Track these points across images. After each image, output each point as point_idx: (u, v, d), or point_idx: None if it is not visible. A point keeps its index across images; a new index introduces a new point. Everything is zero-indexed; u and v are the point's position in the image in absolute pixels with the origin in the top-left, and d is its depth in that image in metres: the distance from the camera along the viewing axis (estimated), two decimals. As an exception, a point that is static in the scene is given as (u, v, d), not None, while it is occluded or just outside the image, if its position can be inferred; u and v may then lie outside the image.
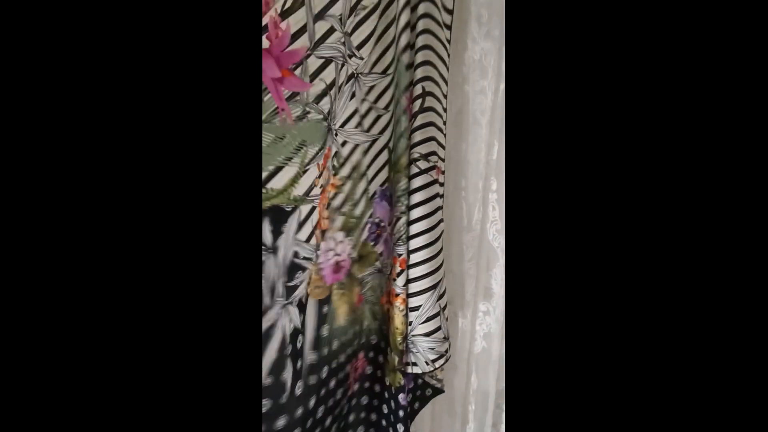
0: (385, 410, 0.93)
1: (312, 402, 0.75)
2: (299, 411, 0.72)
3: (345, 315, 0.80)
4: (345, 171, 0.75)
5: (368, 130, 0.75)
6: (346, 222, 0.77)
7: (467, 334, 1.01)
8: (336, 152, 0.73)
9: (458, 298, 1.00)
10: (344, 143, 0.73)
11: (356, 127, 0.74)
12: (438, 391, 0.97)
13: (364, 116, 0.74)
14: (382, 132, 0.77)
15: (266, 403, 0.67)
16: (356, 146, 0.75)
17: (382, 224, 0.83)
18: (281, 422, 0.69)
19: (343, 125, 0.72)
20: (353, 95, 0.71)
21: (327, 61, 0.65)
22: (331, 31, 0.63)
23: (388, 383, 0.91)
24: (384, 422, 0.93)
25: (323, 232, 0.74)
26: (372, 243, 0.82)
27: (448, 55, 0.83)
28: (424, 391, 0.97)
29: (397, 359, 0.87)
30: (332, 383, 0.80)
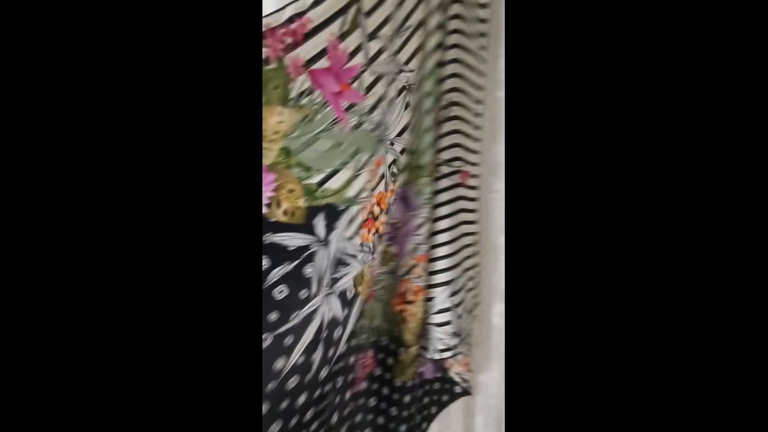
0: (394, 413, 0.96)
1: (328, 387, 0.79)
2: (317, 393, 0.76)
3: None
4: (402, 178, 0.81)
5: None
6: None
7: (503, 333, 1.04)
8: (395, 160, 0.79)
9: (494, 298, 1.04)
10: (403, 151, 0.79)
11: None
12: (464, 393, 1.01)
13: None
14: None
15: (294, 380, 0.71)
16: None
17: (398, 225, 0.87)
18: (302, 399, 0.73)
19: (400, 134, 0.78)
20: (407, 105, 0.77)
21: (379, 77, 0.71)
22: (383, 50, 0.70)
23: (398, 384, 0.95)
24: (393, 424, 0.96)
25: (381, 236, 0.80)
26: (387, 243, 0.87)
27: (482, 62, 0.88)
28: (453, 386, 1.00)
29: (416, 348, 0.92)
30: (336, 372, 0.82)
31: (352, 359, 0.86)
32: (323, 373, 0.76)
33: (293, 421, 0.73)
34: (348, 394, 0.87)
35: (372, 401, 0.94)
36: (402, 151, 0.79)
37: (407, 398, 0.95)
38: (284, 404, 0.70)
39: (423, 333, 0.94)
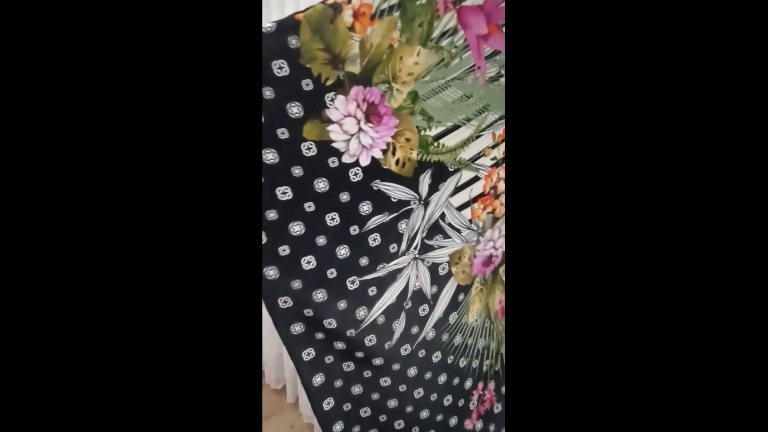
0: None
1: (413, 372, 0.73)
2: (395, 366, 0.72)
3: (476, 314, 0.76)
4: None
5: None
6: None
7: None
8: None
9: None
10: None
11: None
12: None
13: None
14: None
15: (371, 339, 0.68)
16: None
17: None
18: (378, 361, 0.70)
19: None
20: None
21: None
22: None
23: None
24: None
25: (495, 218, 0.72)
26: None
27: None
28: None
29: None
30: (442, 379, 0.77)
31: (468, 383, 0.79)
32: (404, 350, 0.72)
33: (367, 374, 0.71)
34: (453, 420, 0.79)
35: None
36: None
37: None
38: (360, 354, 0.69)
39: None
